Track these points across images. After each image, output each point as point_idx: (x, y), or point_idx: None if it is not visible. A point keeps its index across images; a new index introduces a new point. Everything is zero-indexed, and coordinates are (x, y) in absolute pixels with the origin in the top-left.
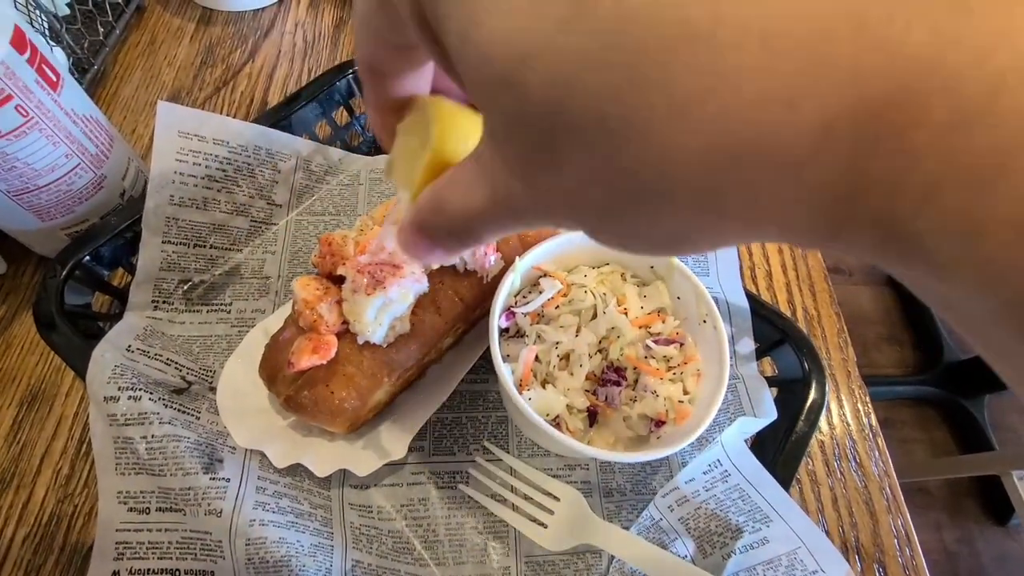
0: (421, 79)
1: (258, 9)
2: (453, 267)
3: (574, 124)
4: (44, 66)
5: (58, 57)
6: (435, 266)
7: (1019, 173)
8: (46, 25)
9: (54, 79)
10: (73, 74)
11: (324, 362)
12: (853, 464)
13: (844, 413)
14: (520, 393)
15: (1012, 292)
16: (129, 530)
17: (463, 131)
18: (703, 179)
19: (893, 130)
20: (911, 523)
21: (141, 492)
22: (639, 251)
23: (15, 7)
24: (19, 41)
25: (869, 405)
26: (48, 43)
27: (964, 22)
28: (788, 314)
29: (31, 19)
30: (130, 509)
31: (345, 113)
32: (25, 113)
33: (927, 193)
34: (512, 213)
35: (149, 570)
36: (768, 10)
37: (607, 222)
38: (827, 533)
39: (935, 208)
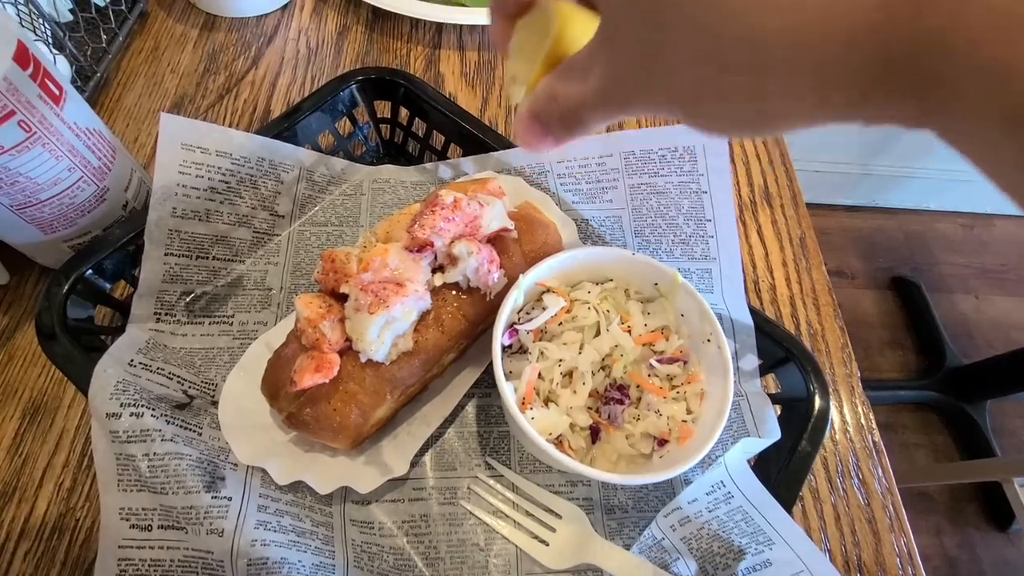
0: None
1: (261, 15)
2: (456, 284)
3: (680, 7)
4: (47, 80)
5: (61, 65)
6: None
7: None
8: (49, 33)
9: (57, 93)
10: (76, 81)
11: (327, 380)
12: (856, 481)
13: (848, 429)
14: (523, 412)
15: None
16: (132, 547)
17: (580, 29)
18: (784, 52)
19: None
20: (913, 541)
21: (143, 509)
22: (725, 129)
23: (18, 18)
24: (22, 56)
25: (872, 422)
26: (51, 51)
27: None
28: (792, 328)
29: (34, 27)
30: (132, 526)
31: (348, 123)
32: (28, 128)
33: (962, 42)
34: (618, 99)
35: None
36: None
37: (703, 99)
38: (829, 551)
39: (967, 55)
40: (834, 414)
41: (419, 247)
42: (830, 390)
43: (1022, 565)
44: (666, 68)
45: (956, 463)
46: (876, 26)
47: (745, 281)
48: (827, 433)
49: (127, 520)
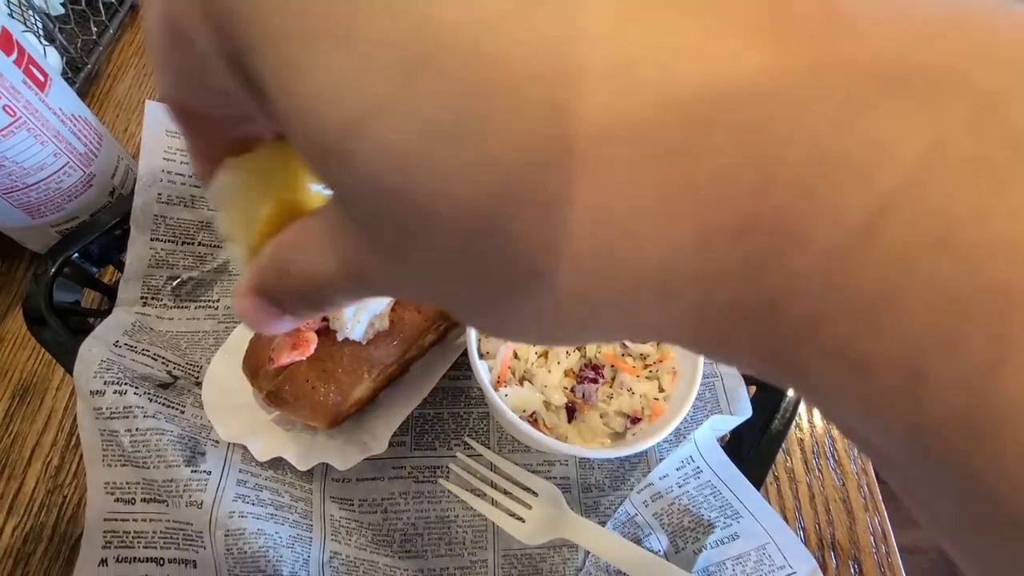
0: (255, 123)
1: None
2: None
3: (422, 212)
4: (32, 67)
5: (51, 57)
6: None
7: (907, 312)
8: (40, 25)
9: (42, 79)
10: (66, 73)
11: (304, 358)
12: (832, 462)
13: None
14: (497, 390)
15: (904, 436)
16: (116, 519)
17: (310, 179)
18: (583, 288)
19: (774, 252)
20: (888, 520)
21: (127, 483)
22: (513, 340)
23: (8, 10)
24: (6, 43)
25: None
26: (41, 43)
27: (847, 130)
28: None
29: (24, 19)
30: (117, 499)
31: None
32: (13, 113)
33: (809, 324)
34: (365, 286)
35: (135, 558)
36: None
37: (474, 316)
38: (804, 530)
39: (817, 341)
40: None
41: None
42: None
43: None
44: (417, 276)
45: None
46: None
47: None
48: (798, 412)
49: (112, 494)
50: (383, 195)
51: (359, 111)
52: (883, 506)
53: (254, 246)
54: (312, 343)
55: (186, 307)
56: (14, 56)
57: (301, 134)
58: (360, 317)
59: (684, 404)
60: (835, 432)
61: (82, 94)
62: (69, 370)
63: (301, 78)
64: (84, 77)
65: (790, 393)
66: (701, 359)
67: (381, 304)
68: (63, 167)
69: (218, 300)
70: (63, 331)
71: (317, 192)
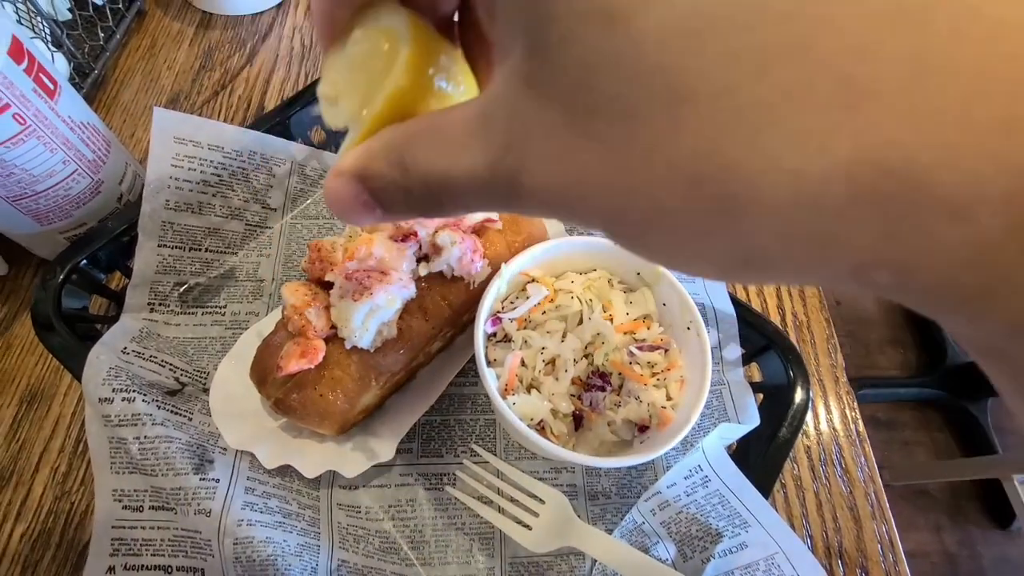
0: None
1: (256, 13)
2: (440, 273)
3: (694, 93)
4: (42, 75)
5: (59, 63)
6: (420, 272)
7: None
8: (48, 31)
9: (51, 87)
10: (74, 79)
11: (312, 366)
12: (839, 469)
13: (832, 418)
14: (505, 398)
15: None
16: (124, 527)
17: (442, 64)
18: (809, 218)
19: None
20: (895, 528)
21: (135, 491)
22: (668, 263)
23: (16, 16)
24: (16, 51)
25: (856, 411)
26: (49, 49)
27: None
28: (777, 319)
29: (32, 25)
30: (125, 507)
31: None
32: (22, 121)
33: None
34: (509, 192)
35: (143, 566)
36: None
37: (664, 233)
38: (811, 538)
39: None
40: (819, 404)
41: (403, 237)
42: (814, 380)
43: (1022, 563)
44: (644, 180)
45: (956, 460)
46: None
47: None
48: (806, 420)
49: (120, 501)
50: (659, 69)
51: None
52: (890, 514)
53: (367, 127)
54: (321, 351)
55: (193, 313)
56: (24, 65)
57: None
58: (368, 325)
59: (692, 413)
60: (842, 440)
61: (89, 99)
62: (77, 376)
63: None
64: (91, 82)
65: (796, 401)
66: (709, 366)
67: (389, 312)
68: (72, 174)
69: (225, 306)
70: (71, 337)
71: (441, 84)
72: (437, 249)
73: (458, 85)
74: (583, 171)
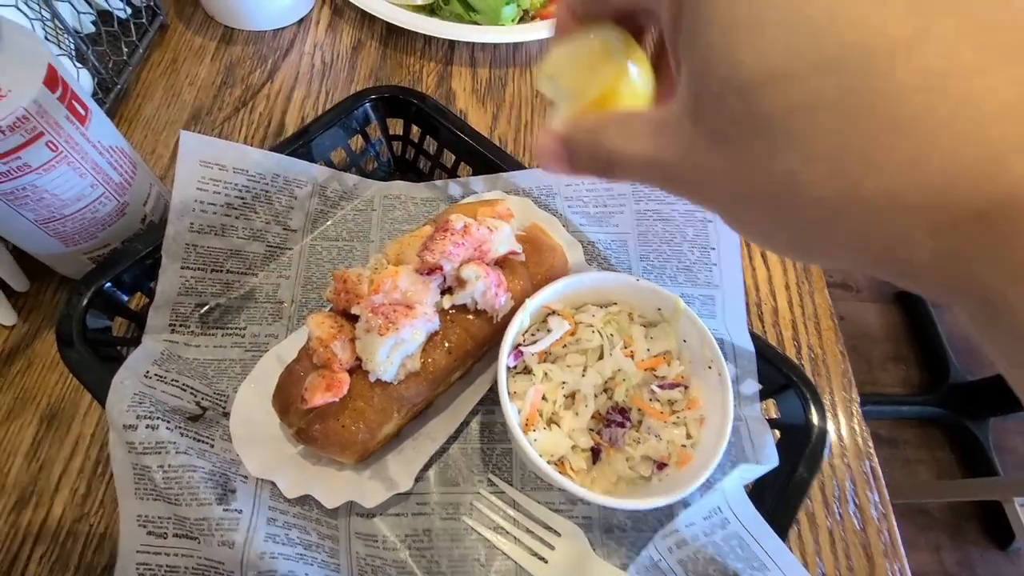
0: (639, 16)
1: (278, 29)
2: (464, 306)
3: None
4: (74, 102)
5: (83, 78)
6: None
7: None
8: (73, 47)
9: (83, 113)
10: (97, 93)
11: (337, 399)
12: (852, 507)
13: (845, 455)
14: (526, 433)
15: None
16: (149, 552)
17: (637, 76)
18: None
19: None
20: (907, 568)
21: (159, 518)
22: (761, 242)
23: (43, 33)
24: (51, 80)
25: (871, 447)
26: (74, 64)
27: None
28: (793, 352)
29: (59, 41)
30: (149, 533)
31: (361, 139)
32: (55, 148)
33: None
34: (666, 180)
35: None
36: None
37: (781, 227)
38: (823, 574)
39: None
40: (833, 439)
41: (429, 270)
42: (829, 416)
43: None
44: (769, 181)
45: (957, 481)
46: None
47: (747, 304)
48: (824, 460)
49: (144, 527)
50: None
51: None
52: (903, 552)
53: (579, 105)
54: (345, 384)
55: (213, 334)
56: (58, 93)
57: (722, 55)
58: (393, 358)
59: (715, 454)
60: (856, 476)
61: (111, 114)
62: (98, 397)
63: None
64: (114, 97)
65: (814, 440)
66: (731, 409)
67: (413, 346)
68: (99, 197)
69: (244, 327)
70: (93, 358)
71: (632, 94)
72: (462, 283)
73: (641, 97)
74: (711, 175)
